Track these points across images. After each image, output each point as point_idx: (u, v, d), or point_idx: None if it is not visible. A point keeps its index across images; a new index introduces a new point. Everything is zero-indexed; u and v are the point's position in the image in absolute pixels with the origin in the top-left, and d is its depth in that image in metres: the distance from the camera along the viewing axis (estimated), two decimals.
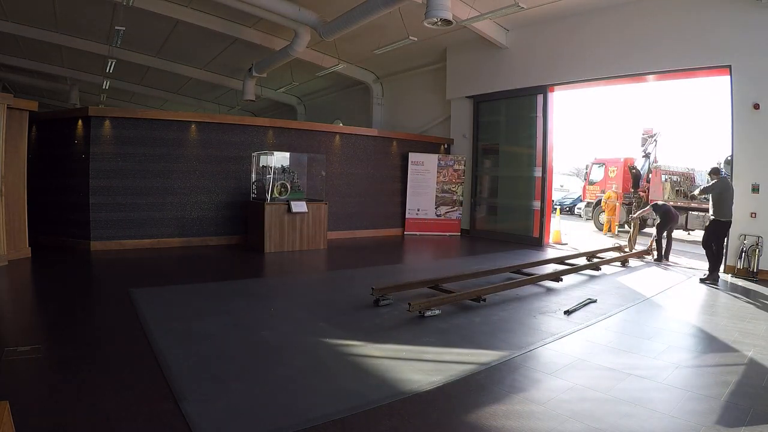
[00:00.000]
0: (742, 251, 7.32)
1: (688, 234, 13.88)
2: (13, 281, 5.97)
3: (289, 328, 4.40)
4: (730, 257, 7.53)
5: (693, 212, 13.12)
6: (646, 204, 15.02)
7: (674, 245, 9.35)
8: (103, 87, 16.55)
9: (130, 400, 2.84)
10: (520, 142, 11.09)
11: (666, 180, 14.93)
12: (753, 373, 3.55)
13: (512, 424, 2.71)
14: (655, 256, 8.93)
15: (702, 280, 6.95)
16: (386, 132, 12.06)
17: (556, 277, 6.43)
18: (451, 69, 12.08)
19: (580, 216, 19.57)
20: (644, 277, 7.43)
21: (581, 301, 5.49)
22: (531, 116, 10.65)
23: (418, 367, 3.53)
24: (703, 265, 7.48)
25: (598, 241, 12.19)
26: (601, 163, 17.58)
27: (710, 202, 7.07)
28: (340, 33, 9.50)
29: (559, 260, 7.90)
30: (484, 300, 5.29)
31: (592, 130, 59.56)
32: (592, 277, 7.08)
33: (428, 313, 4.73)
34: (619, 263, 8.21)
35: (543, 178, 10.48)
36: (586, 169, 19.01)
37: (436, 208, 11.77)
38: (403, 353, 3.79)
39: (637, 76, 8.94)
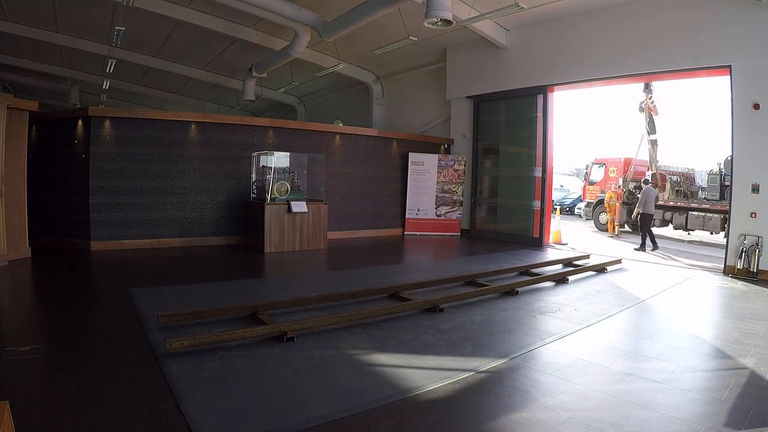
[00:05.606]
0: (742, 251, 7.32)
1: (688, 234, 13.87)
2: (13, 281, 5.97)
3: None
4: (730, 257, 7.53)
5: (693, 212, 13.08)
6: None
7: (675, 245, 9.36)
8: (103, 87, 16.53)
9: (130, 400, 2.84)
10: (520, 142, 11.09)
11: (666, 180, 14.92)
12: (753, 373, 3.55)
13: (512, 424, 2.71)
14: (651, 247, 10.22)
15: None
16: (386, 132, 12.05)
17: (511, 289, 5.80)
18: (451, 69, 12.08)
19: (580, 216, 19.57)
20: (643, 277, 7.43)
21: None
22: (531, 116, 10.65)
23: (417, 366, 3.53)
24: (703, 264, 8.25)
25: (598, 242, 12.19)
26: (601, 163, 17.61)
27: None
28: (339, 33, 9.50)
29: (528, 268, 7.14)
30: None
31: (592, 130, 59.55)
32: (591, 276, 7.08)
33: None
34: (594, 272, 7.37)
35: (543, 178, 10.47)
36: (586, 169, 19.02)
37: (436, 208, 11.76)
38: (402, 353, 3.79)
39: (637, 76, 8.96)
